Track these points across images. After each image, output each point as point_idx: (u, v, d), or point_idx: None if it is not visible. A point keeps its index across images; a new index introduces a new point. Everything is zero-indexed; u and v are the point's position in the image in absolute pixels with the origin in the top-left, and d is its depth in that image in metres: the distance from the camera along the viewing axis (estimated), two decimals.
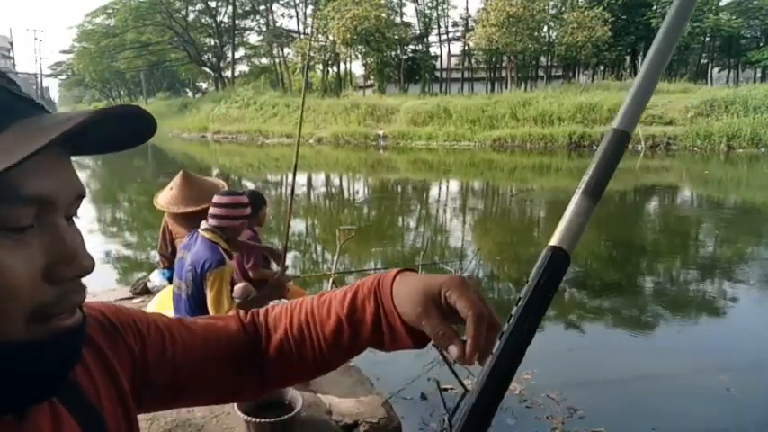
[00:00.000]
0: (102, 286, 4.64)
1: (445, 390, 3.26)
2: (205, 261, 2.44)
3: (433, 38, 43.10)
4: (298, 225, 8.98)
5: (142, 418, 2.37)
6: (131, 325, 0.63)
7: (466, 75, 41.53)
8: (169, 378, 0.64)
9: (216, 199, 2.64)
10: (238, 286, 3.13)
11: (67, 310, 0.46)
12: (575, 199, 0.52)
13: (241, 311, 0.73)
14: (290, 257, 3.16)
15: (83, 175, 17.69)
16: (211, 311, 2.47)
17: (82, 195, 0.48)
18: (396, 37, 36.56)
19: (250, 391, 0.72)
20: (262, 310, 0.72)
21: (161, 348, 0.63)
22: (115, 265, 6.95)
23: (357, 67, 44.99)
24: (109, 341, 0.60)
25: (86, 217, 9.69)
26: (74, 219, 0.48)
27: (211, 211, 2.62)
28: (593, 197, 0.51)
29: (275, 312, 0.70)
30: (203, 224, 2.60)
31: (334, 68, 41.10)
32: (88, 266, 0.46)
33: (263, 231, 4.28)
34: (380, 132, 27.74)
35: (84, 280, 0.48)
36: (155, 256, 4.97)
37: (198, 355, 0.65)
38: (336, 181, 16.30)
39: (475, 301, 0.54)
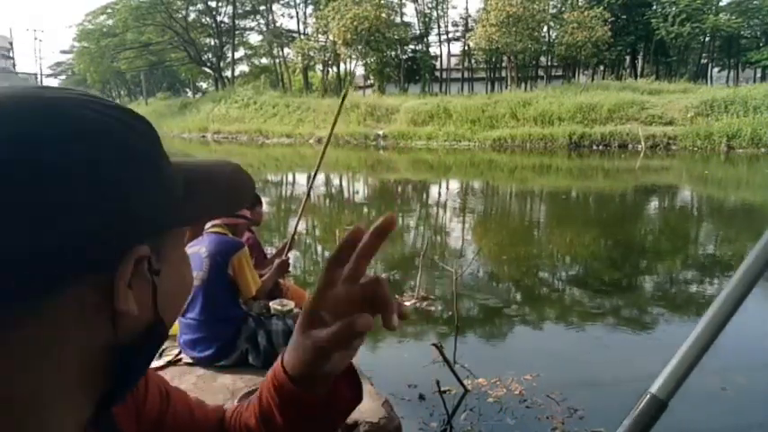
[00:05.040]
0: None
1: (444, 391, 3.25)
2: (228, 248, 2.63)
3: (432, 38, 43.22)
4: (298, 224, 8.96)
5: None
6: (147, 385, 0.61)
7: (466, 75, 41.56)
8: None
9: None
10: None
11: None
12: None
13: (228, 409, 0.73)
14: (289, 257, 3.20)
15: None
16: (245, 293, 2.67)
17: None
18: (396, 37, 36.58)
19: None
20: (237, 413, 0.71)
21: (158, 414, 0.62)
22: None
23: (357, 67, 44.99)
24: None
25: None
26: None
27: None
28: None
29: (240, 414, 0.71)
30: (208, 224, 2.75)
31: (335, 68, 41.13)
32: None
33: (260, 230, 4.28)
34: (380, 132, 27.74)
35: None
36: None
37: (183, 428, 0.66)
38: (336, 181, 16.29)
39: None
